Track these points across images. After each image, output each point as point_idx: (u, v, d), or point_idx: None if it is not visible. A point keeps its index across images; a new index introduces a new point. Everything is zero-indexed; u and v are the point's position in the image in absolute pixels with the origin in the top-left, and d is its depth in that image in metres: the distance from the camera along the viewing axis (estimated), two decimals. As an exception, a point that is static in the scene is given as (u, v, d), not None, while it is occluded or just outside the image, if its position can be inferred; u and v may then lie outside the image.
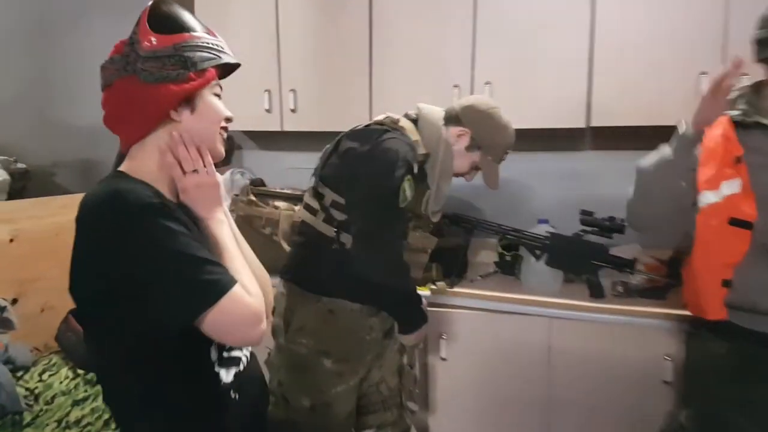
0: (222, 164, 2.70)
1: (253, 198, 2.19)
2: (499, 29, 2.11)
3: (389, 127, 1.57)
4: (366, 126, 1.61)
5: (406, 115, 1.65)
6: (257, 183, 2.49)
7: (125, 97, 0.98)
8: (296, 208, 2.15)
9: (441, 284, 2.06)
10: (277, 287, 1.65)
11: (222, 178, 1.09)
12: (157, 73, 0.96)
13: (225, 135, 1.09)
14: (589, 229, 1.96)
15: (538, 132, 2.08)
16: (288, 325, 1.57)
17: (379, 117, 1.63)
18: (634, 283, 2.02)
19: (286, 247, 2.00)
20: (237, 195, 2.27)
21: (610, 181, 2.24)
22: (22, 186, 2.96)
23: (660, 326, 1.80)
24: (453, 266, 2.13)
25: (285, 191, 2.27)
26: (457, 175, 1.69)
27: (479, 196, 2.39)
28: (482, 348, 2.01)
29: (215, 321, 0.90)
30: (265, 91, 2.44)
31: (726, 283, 1.37)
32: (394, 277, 1.53)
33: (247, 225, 2.13)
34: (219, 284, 0.90)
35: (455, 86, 2.16)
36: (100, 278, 0.90)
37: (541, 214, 2.21)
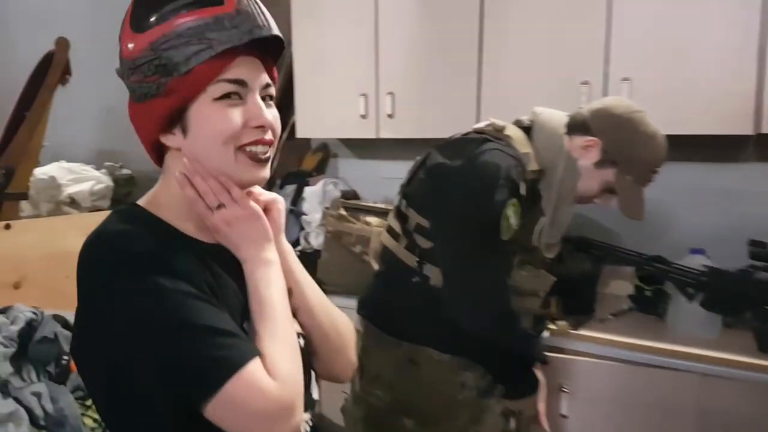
0: (316, 174, 2.59)
1: (343, 212, 1.98)
2: (639, 13, 1.72)
3: (491, 136, 1.28)
4: (463, 135, 1.34)
5: (518, 122, 1.34)
6: (350, 195, 2.29)
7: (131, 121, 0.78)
8: (390, 224, 1.91)
9: (562, 324, 1.70)
10: (355, 322, 1.42)
11: (280, 202, 0.85)
12: (139, 89, 0.73)
13: (262, 150, 0.77)
14: (760, 264, 1.52)
15: (690, 139, 1.66)
16: (363, 370, 1.34)
17: (480, 124, 1.34)
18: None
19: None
20: (327, 208, 2.07)
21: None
22: (128, 192, 3.00)
23: None
24: (578, 301, 1.77)
25: (378, 205, 2.04)
26: (582, 200, 1.34)
27: (611, 215, 1.97)
28: (613, 406, 1.63)
29: (219, 412, 0.65)
30: (362, 95, 2.23)
31: None
32: (497, 330, 1.24)
33: (336, 242, 1.93)
34: (225, 363, 0.66)
35: (584, 83, 1.79)
36: (86, 342, 0.73)
37: (693, 242, 1.77)
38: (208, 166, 0.75)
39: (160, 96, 0.71)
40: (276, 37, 0.76)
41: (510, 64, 1.94)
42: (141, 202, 0.79)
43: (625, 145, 1.27)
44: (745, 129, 1.61)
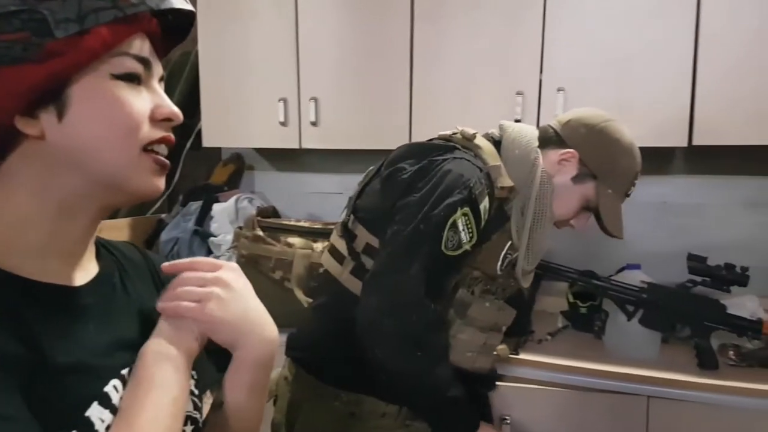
0: (228, 188, 2.34)
1: (260, 233, 1.75)
2: (574, 24, 1.69)
3: (459, 144, 1.13)
4: (427, 141, 1.19)
5: (486, 136, 1.21)
6: (268, 213, 2.06)
7: None
8: (316, 245, 1.72)
9: (502, 349, 1.59)
10: (282, 368, 1.22)
11: None
12: None
13: (164, 152, 0.58)
14: (699, 279, 1.50)
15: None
16: (292, 427, 1.14)
17: (447, 131, 1.20)
18: (750, 347, 1.56)
19: (302, 298, 1.56)
20: (240, 228, 1.84)
21: (715, 214, 1.82)
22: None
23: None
24: (515, 322, 1.67)
25: (302, 224, 1.83)
26: (560, 221, 1.22)
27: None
28: (558, 434, 1.54)
29: None
30: (281, 100, 2.03)
31: None
32: (410, 360, 1.01)
33: (251, 267, 1.69)
34: None
35: (519, 93, 1.73)
36: None
37: (629, 257, 1.74)
38: (90, 168, 0.53)
39: (29, 61, 0.49)
40: (188, 14, 0.58)
41: (444, 72, 1.84)
42: None
43: (605, 156, 1.18)
44: (679, 141, 1.61)
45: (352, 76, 1.96)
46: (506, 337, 1.60)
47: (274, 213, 2.12)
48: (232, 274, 0.62)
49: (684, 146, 1.62)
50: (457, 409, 1.08)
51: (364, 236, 1.12)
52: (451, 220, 1.01)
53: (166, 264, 0.64)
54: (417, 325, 1.01)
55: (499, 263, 1.14)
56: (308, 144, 2.05)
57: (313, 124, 2.01)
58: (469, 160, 1.08)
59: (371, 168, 1.23)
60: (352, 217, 1.17)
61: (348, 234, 1.16)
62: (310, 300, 1.31)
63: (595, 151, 1.17)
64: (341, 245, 1.17)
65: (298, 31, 2.01)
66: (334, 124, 2.00)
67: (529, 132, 1.20)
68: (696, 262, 1.49)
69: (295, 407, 1.14)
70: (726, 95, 1.56)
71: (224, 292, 0.60)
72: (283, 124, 2.04)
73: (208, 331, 0.60)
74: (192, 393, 0.63)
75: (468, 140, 1.15)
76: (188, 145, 2.29)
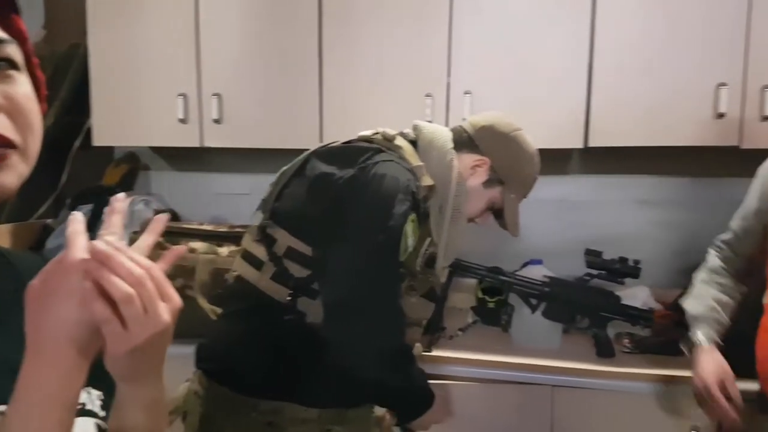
0: (121, 190, 2.16)
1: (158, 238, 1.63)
2: (479, 29, 1.74)
3: (381, 146, 1.13)
4: (346, 143, 1.17)
5: (402, 135, 1.22)
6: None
7: None
8: (221, 250, 1.63)
9: (416, 346, 1.60)
10: (191, 382, 1.14)
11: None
12: None
13: None
14: (595, 272, 1.59)
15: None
16: None
17: (366, 132, 1.19)
18: (642, 335, 1.68)
19: (207, 307, 1.47)
20: (136, 232, 1.70)
21: (610, 211, 1.95)
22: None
23: (685, 392, 1.44)
24: (428, 322, 1.68)
25: (205, 227, 1.73)
26: (468, 219, 1.27)
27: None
28: (471, 428, 1.56)
29: None
30: (180, 95, 1.91)
31: None
32: (393, 368, 1.09)
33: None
34: None
35: (428, 95, 1.76)
36: None
37: (533, 253, 1.82)
38: None
39: None
40: None
41: (354, 72, 1.83)
42: None
43: (513, 165, 1.26)
44: (576, 143, 1.70)
45: (259, 71, 1.89)
46: (420, 335, 1.63)
47: (173, 216, 1.99)
48: None
49: (580, 147, 1.71)
50: (423, 393, 1.19)
51: (286, 240, 1.09)
52: (405, 230, 1.03)
53: None
54: (402, 338, 1.09)
55: (419, 260, 1.15)
56: (211, 142, 1.94)
57: (216, 121, 1.91)
58: (398, 162, 1.09)
59: (285, 168, 1.19)
60: (271, 221, 1.12)
61: (267, 238, 1.11)
62: (216, 308, 1.24)
63: (505, 160, 1.24)
64: (258, 250, 1.12)
65: (198, 22, 1.90)
66: (240, 121, 1.91)
67: (444, 133, 1.23)
68: (593, 257, 1.58)
69: (208, 422, 1.08)
70: (619, 100, 1.67)
71: None
72: (183, 121, 1.93)
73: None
74: (94, 415, 0.56)
75: (389, 141, 1.16)
76: (77, 144, 2.10)
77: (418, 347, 1.57)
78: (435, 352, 1.62)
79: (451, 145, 1.20)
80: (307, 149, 1.19)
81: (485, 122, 1.26)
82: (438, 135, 1.21)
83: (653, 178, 1.95)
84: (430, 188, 1.13)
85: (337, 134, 1.26)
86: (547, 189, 2.00)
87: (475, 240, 1.85)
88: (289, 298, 1.07)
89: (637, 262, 1.55)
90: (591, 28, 1.67)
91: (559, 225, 2.01)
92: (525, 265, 1.82)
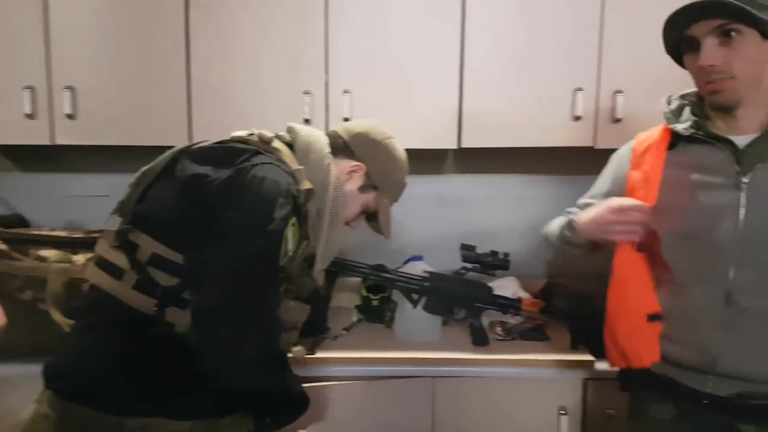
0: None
1: (2, 246, 1.44)
2: (356, 28, 1.74)
3: (258, 147, 1.09)
4: (218, 143, 1.11)
5: (278, 137, 1.19)
6: (12, 221, 1.72)
7: None
8: (76, 258, 1.48)
9: (298, 350, 1.56)
10: (38, 404, 1.03)
11: None
12: None
13: None
14: (470, 266, 1.66)
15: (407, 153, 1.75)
16: None
17: (240, 133, 1.14)
18: (512, 323, 1.80)
19: (61, 321, 1.33)
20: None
21: (483, 208, 2.06)
22: None
23: (555, 376, 1.57)
24: (312, 321, 1.65)
25: (57, 233, 1.56)
26: (345, 222, 1.28)
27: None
28: (356, 427, 1.56)
29: None
30: (26, 88, 1.71)
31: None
32: (273, 376, 1.07)
33: (-6, 289, 1.39)
34: None
35: (306, 93, 1.73)
36: None
37: (414, 249, 1.86)
38: None
39: None
40: None
41: (226, 67, 1.75)
42: None
43: (386, 171, 1.31)
44: (450, 143, 1.76)
45: (118, 63, 1.74)
46: (302, 337, 1.60)
47: (21, 222, 1.78)
48: None
49: (455, 148, 1.78)
50: (297, 398, 1.16)
51: (150, 246, 1.01)
52: (285, 234, 1.00)
53: None
54: (278, 344, 1.05)
55: (297, 263, 1.14)
56: (63, 140, 1.75)
57: (70, 116, 1.73)
58: (277, 165, 1.06)
59: (147, 168, 1.11)
60: (133, 225, 1.04)
61: (127, 244, 1.02)
62: (72, 322, 1.12)
63: (379, 167, 1.29)
64: (117, 257, 1.03)
65: (47, 8, 1.71)
66: (96, 117, 1.75)
67: (320, 138, 1.23)
68: (467, 251, 1.65)
69: None
70: (488, 104, 1.75)
71: None
72: (31, 116, 1.72)
73: None
74: None
75: (266, 143, 1.13)
76: None
77: (297, 351, 1.55)
78: (319, 354, 1.60)
79: (328, 149, 1.21)
80: (173, 147, 1.11)
81: (360, 129, 1.30)
82: (315, 139, 1.21)
83: (521, 177, 2.09)
84: (309, 192, 1.12)
85: (210, 133, 1.20)
86: (426, 187, 2.07)
87: (359, 238, 1.87)
88: (155, 309, 0.99)
89: (506, 255, 1.64)
90: (461, 35, 1.74)
91: (438, 222, 2.09)
92: (407, 261, 1.86)
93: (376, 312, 1.85)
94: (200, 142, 1.13)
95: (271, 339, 1.03)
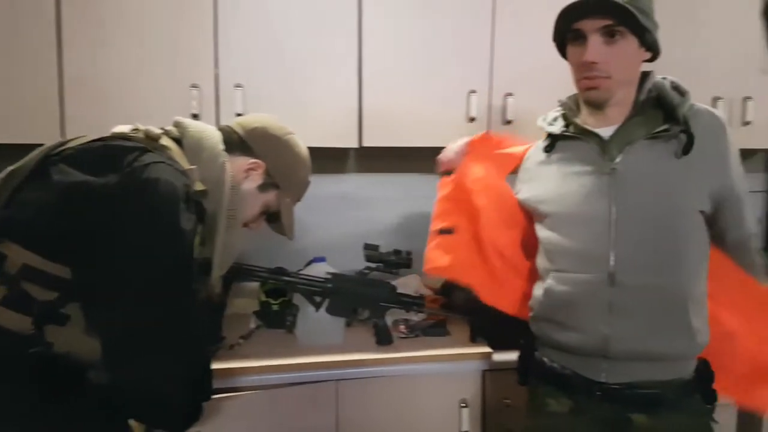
0: None
1: None
2: (247, 20, 1.66)
3: (145, 145, 0.98)
4: (99, 140, 0.99)
5: (165, 132, 1.09)
6: None
7: None
8: None
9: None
10: None
11: None
12: None
13: None
14: (374, 265, 1.66)
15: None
16: None
17: (122, 127, 1.04)
18: (415, 320, 1.82)
19: None
20: None
21: (386, 207, 2.07)
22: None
23: (455, 369, 1.60)
24: (206, 334, 1.56)
25: None
26: (244, 224, 1.21)
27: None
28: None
29: None
30: None
31: None
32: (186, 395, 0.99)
33: None
34: None
35: (194, 86, 1.63)
36: None
37: (316, 250, 1.82)
38: None
39: None
40: None
41: (103, 57, 1.60)
42: None
43: (287, 168, 1.25)
44: (351, 142, 1.74)
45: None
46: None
47: None
48: None
49: (356, 147, 1.76)
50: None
51: (20, 256, 0.89)
52: (194, 243, 0.95)
53: None
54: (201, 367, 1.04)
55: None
56: None
57: None
58: (170, 164, 0.96)
59: (13, 168, 0.97)
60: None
61: None
62: None
63: (280, 164, 1.23)
64: None
65: None
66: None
67: (213, 133, 1.14)
68: (371, 251, 1.64)
69: None
70: (388, 103, 1.74)
71: None
72: None
73: None
74: None
75: (154, 140, 1.02)
76: None
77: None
78: (215, 365, 1.49)
79: (222, 146, 1.12)
80: (42, 145, 0.99)
81: (258, 124, 1.23)
82: (207, 135, 1.12)
83: (423, 176, 2.10)
84: (202, 194, 1.04)
85: (83, 129, 1.08)
86: (328, 187, 2.04)
87: (258, 242, 1.80)
88: (32, 328, 0.88)
89: (409, 253, 1.65)
90: (359, 35, 1.72)
91: (341, 221, 2.06)
92: (309, 263, 1.81)
93: (277, 317, 1.78)
94: (75, 139, 1.01)
95: (199, 355, 0.98)
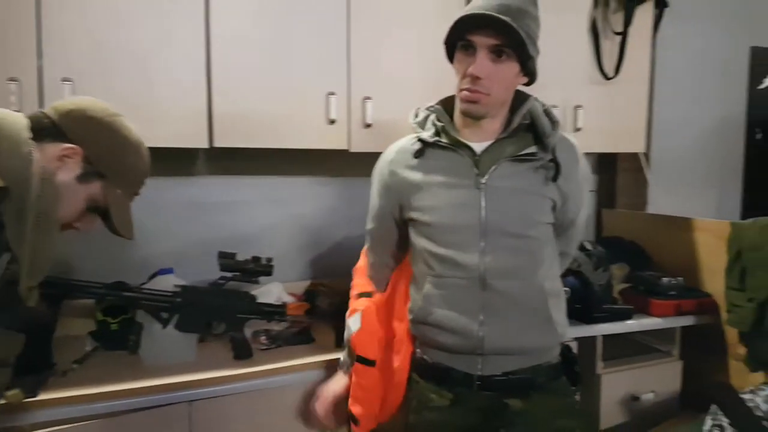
0: None
1: None
2: (77, 8, 1.47)
3: None
4: None
5: None
6: None
7: None
8: None
9: (13, 393, 1.24)
10: None
11: None
12: None
13: None
14: (230, 275, 1.55)
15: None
16: None
17: None
18: (278, 329, 1.74)
19: None
20: None
21: (243, 211, 1.96)
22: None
23: (322, 377, 1.54)
24: (29, 358, 1.33)
25: None
26: (65, 225, 1.05)
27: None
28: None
29: None
30: None
31: None
32: None
33: None
34: None
35: (12, 80, 1.40)
36: None
37: (162, 261, 1.66)
38: None
39: None
40: None
41: None
42: None
43: (112, 154, 1.09)
44: (201, 142, 1.61)
45: None
46: (18, 377, 1.28)
47: None
48: None
49: (206, 147, 1.64)
50: None
51: None
52: None
53: None
54: None
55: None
56: None
57: None
58: None
59: None
60: None
61: None
62: None
63: (102, 148, 1.07)
64: None
65: None
66: None
67: (16, 119, 0.99)
68: (226, 259, 1.53)
69: None
70: (241, 103, 1.64)
71: None
72: None
73: None
74: None
75: None
76: None
77: (12, 394, 1.24)
78: (43, 396, 1.30)
79: (28, 134, 0.97)
80: None
81: (73, 106, 1.07)
82: (8, 122, 0.96)
83: (279, 178, 2.04)
84: (4, 190, 0.89)
85: None
86: (175, 191, 1.88)
87: (92, 254, 1.60)
88: None
89: (269, 259, 1.57)
90: (206, 31, 1.60)
91: (190, 228, 1.90)
92: (153, 276, 1.64)
93: (117, 337, 1.59)
94: None
95: None
